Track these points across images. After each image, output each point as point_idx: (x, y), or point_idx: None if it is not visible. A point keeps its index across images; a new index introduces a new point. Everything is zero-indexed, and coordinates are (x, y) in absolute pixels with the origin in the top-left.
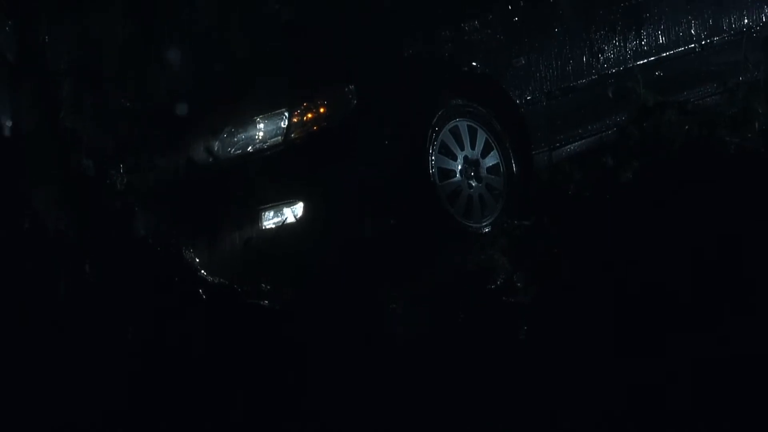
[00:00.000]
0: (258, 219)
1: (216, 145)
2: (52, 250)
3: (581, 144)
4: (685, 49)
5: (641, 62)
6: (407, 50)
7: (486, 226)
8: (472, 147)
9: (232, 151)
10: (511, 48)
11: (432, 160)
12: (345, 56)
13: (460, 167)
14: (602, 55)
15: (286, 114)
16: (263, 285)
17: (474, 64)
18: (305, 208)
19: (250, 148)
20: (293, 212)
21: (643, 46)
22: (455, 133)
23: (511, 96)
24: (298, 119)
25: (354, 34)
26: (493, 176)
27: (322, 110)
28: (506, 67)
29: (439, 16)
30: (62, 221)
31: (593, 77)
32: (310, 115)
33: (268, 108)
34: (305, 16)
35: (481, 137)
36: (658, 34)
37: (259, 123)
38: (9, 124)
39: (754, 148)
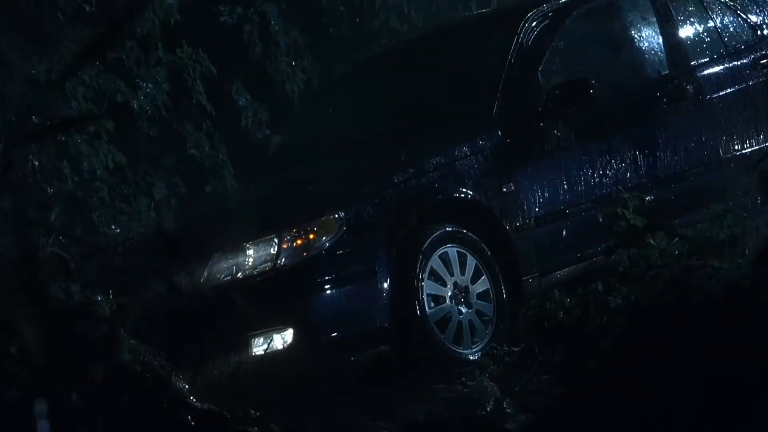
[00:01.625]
0: (247, 345)
1: (206, 271)
2: (38, 375)
3: (572, 270)
4: (674, 174)
5: (631, 187)
6: (397, 177)
7: (476, 352)
8: (462, 273)
9: (221, 277)
10: (501, 174)
11: (422, 287)
12: (335, 183)
13: (450, 293)
14: (592, 180)
15: (276, 240)
16: (252, 411)
17: (463, 190)
18: (295, 335)
19: (239, 273)
20: (283, 338)
21: (633, 171)
22: (445, 259)
23: (501, 222)
24: (287, 245)
25: (345, 161)
26: (482, 302)
27: (311, 237)
28: (496, 193)
29: (429, 143)
30: (46, 347)
31: (583, 203)
32: (299, 242)
33: (258, 234)
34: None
35: (471, 263)
36: (648, 160)
37: (248, 249)
38: None
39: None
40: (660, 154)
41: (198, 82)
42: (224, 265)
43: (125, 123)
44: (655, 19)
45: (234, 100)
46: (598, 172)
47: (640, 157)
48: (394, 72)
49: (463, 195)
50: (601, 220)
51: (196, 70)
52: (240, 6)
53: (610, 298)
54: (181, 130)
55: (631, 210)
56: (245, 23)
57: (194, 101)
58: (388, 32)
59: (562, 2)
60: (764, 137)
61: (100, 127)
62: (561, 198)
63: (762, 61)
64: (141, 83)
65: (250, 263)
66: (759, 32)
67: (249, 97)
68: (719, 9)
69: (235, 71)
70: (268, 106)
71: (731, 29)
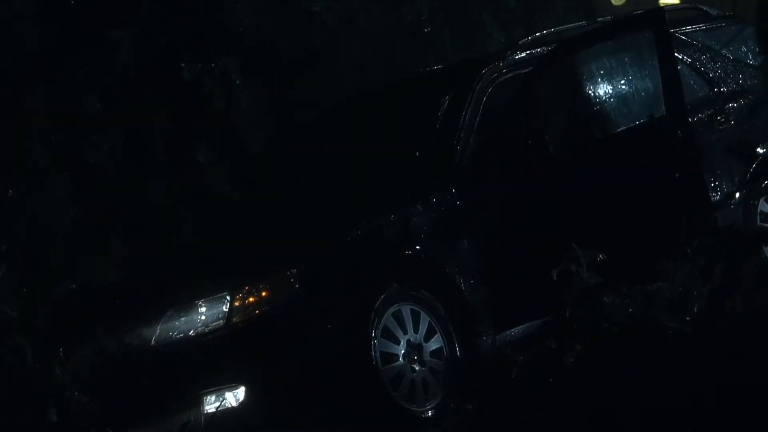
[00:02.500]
0: (200, 403)
1: (158, 328)
2: None
3: (526, 327)
4: (629, 230)
5: (585, 243)
6: (351, 234)
7: (429, 409)
8: (416, 331)
9: (174, 334)
10: (455, 231)
11: (375, 344)
12: (289, 239)
13: (403, 351)
14: (546, 236)
15: (228, 297)
16: None
17: (417, 247)
18: (247, 393)
19: (191, 331)
20: (235, 396)
21: (587, 227)
22: (398, 317)
23: (455, 279)
24: (240, 303)
25: (299, 216)
26: (436, 360)
27: (264, 294)
28: (449, 250)
29: (384, 200)
30: None
31: (537, 259)
32: (252, 299)
33: (211, 291)
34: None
35: (425, 321)
36: (603, 216)
37: (201, 306)
38: None
39: (688, 332)
40: (616, 210)
41: (156, 137)
42: (177, 322)
43: (84, 178)
44: (614, 74)
45: (195, 155)
46: (553, 228)
47: (594, 213)
48: (350, 126)
49: (416, 252)
50: (554, 277)
51: (155, 125)
52: (200, 62)
53: (563, 355)
54: (140, 184)
55: (584, 267)
56: (206, 77)
57: (152, 156)
58: (352, 83)
59: (518, 58)
60: (721, 193)
61: (56, 183)
62: (515, 254)
63: (718, 117)
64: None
65: (202, 321)
66: (716, 89)
67: (209, 151)
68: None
69: (196, 126)
70: (230, 161)
71: (689, 84)
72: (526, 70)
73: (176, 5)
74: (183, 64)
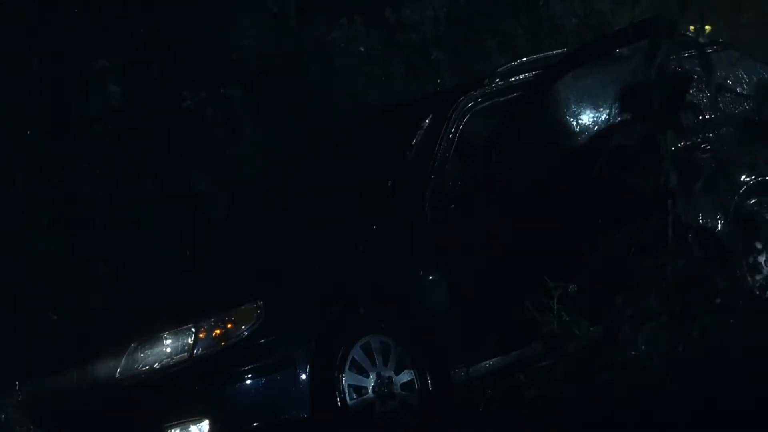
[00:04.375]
0: None
1: (123, 360)
2: None
3: (498, 360)
4: (600, 262)
5: (556, 275)
6: (318, 265)
7: None
8: (385, 363)
9: (138, 367)
10: (424, 263)
11: (342, 377)
12: (255, 270)
13: (372, 384)
14: (516, 268)
15: (193, 329)
16: None
17: (386, 279)
18: (211, 426)
19: (156, 364)
20: (199, 430)
21: (558, 258)
22: (367, 350)
23: (426, 311)
24: (205, 335)
25: (269, 246)
26: (406, 393)
27: (229, 326)
28: (420, 282)
29: (352, 230)
30: None
31: (507, 292)
32: (218, 332)
33: (176, 323)
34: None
35: (395, 353)
36: (573, 248)
37: (166, 339)
38: None
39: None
40: (585, 242)
41: (146, 168)
42: (142, 354)
43: (74, 208)
44: (585, 104)
45: (191, 186)
46: (523, 260)
47: (564, 245)
48: (322, 158)
49: (385, 283)
50: (525, 309)
51: (146, 155)
52: (204, 90)
53: (528, 389)
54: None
55: (555, 299)
56: (207, 107)
57: (145, 186)
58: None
59: (495, 87)
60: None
61: (40, 213)
62: (485, 287)
63: (703, 146)
64: (91, 168)
65: (167, 353)
66: (701, 117)
67: (207, 181)
68: None
69: (195, 156)
70: (228, 191)
71: None
72: (503, 99)
73: (171, 32)
74: (185, 92)
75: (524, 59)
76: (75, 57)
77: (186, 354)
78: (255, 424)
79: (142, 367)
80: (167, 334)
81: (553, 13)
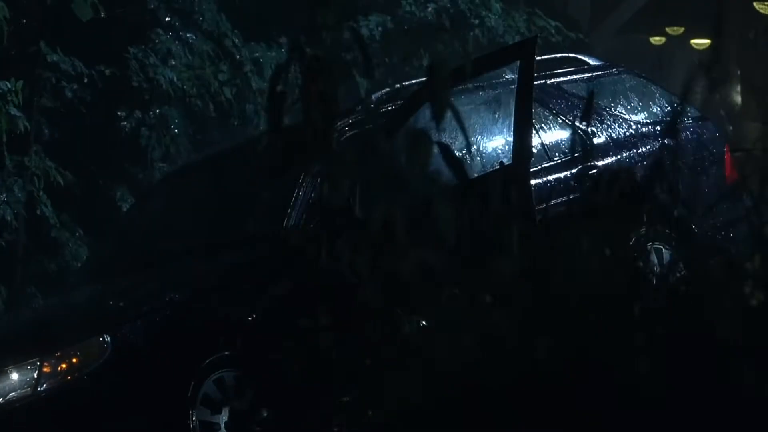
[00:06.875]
0: None
1: None
2: None
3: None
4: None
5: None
6: (170, 297)
7: None
8: (240, 398)
9: None
10: (278, 296)
11: (192, 414)
12: (105, 304)
13: (225, 420)
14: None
15: (38, 364)
16: None
17: (241, 312)
18: None
19: (1, 399)
20: None
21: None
22: (221, 384)
23: (285, 346)
24: (50, 369)
25: (123, 279)
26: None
27: (74, 360)
28: (275, 317)
29: (206, 262)
30: None
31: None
32: (63, 366)
33: (21, 357)
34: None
35: (248, 387)
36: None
37: (11, 373)
38: None
39: None
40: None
41: (42, 193)
42: None
43: None
44: (481, 128)
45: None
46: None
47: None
48: (186, 188)
49: (240, 317)
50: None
51: (43, 179)
52: (138, 110)
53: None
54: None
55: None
56: (143, 127)
57: (39, 212)
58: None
59: (366, 114)
60: None
61: None
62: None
63: (590, 172)
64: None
65: (12, 387)
66: (588, 141)
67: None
68: (547, 118)
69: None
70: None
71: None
72: (369, 127)
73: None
74: (120, 113)
75: (399, 85)
76: None
77: (29, 389)
78: None
79: None
80: (12, 368)
81: (496, 31)
